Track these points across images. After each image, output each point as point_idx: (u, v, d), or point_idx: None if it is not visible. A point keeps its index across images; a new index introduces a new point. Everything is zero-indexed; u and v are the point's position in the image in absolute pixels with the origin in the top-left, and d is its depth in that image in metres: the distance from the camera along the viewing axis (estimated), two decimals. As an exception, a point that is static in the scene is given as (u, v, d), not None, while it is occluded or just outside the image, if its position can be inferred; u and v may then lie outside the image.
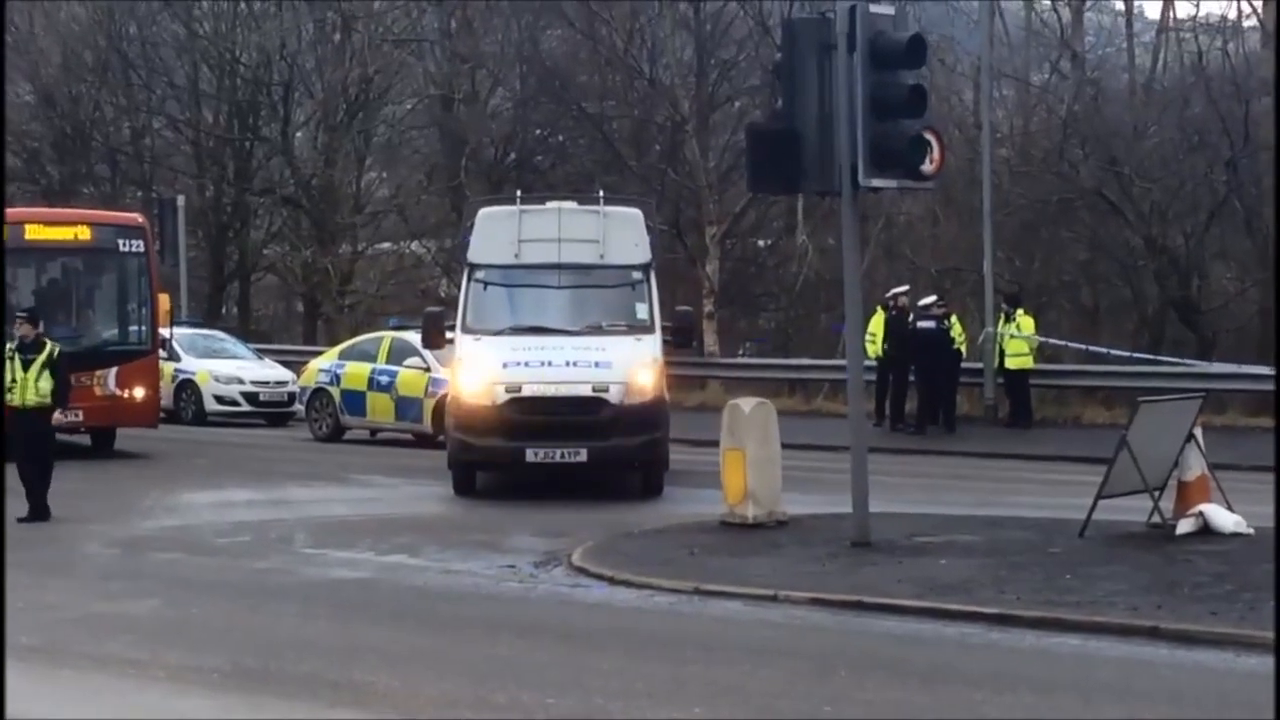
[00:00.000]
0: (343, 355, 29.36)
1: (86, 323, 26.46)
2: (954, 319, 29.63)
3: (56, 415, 19.20)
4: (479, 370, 21.09)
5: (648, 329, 21.78)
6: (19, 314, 19.49)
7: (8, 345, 18.95)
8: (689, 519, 18.38)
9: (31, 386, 18.80)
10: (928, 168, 16.23)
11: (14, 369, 18.78)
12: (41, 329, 19.35)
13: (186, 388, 32.18)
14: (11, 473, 18.78)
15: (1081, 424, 29.60)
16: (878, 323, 28.74)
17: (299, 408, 30.66)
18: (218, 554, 16.69)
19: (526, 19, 43.43)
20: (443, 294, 39.59)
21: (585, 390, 20.78)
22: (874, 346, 28.37)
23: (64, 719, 10.31)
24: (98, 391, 25.04)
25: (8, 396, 18.70)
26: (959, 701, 10.59)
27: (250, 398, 32.21)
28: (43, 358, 18.91)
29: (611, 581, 14.84)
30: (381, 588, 14.82)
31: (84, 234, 25.89)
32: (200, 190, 45.29)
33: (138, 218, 27.95)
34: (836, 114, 15.78)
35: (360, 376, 28.18)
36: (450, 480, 21.42)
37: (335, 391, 28.60)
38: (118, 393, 25.29)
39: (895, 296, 29.66)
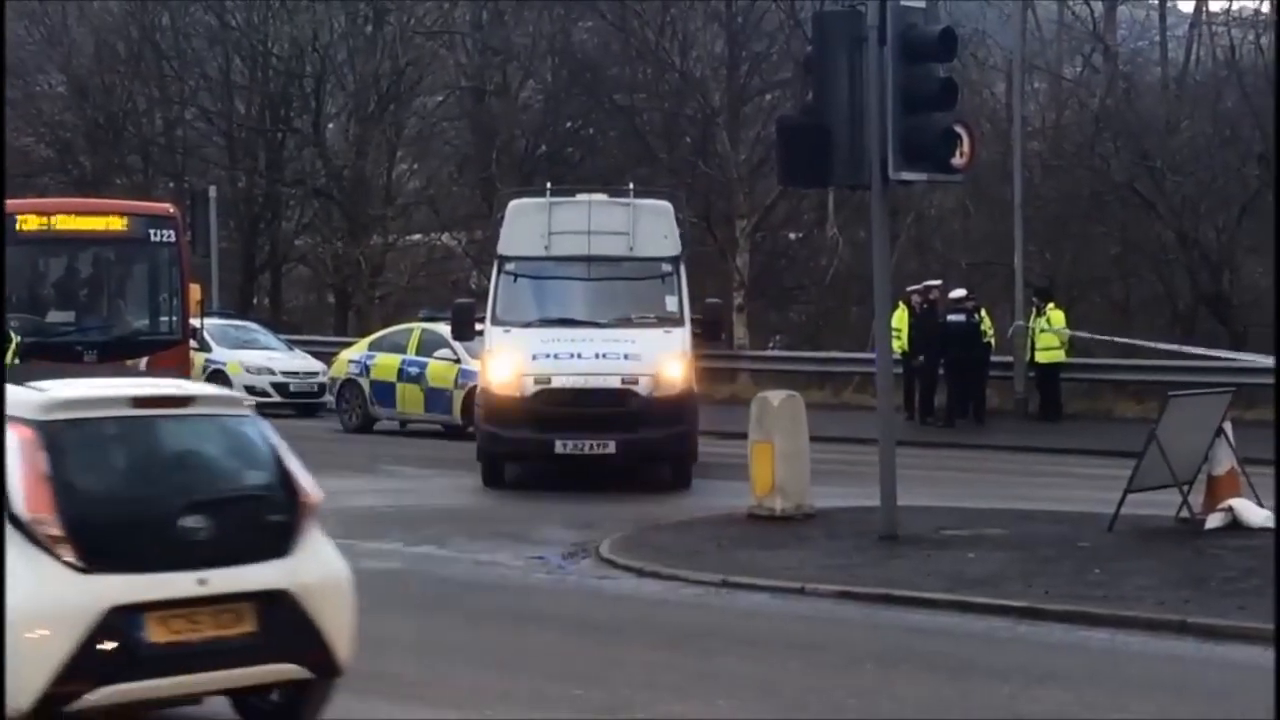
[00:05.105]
0: (373, 346, 29.40)
1: (117, 312, 26.49)
2: (984, 312, 29.61)
3: None
4: (508, 362, 21.11)
5: (677, 321, 21.77)
6: None
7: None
8: (717, 511, 18.38)
9: None
10: (958, 161, 16.22)
11: None
12: None
13: (217, 378, 32.15)
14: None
15: (1112, 418, 29.47)
16: (900, 318, 28.63)
17: (329, 398, 30.74)
18: (247, 544, 16.71)
19: (558, 11, 43.45)
20: (473, 286, 39.64)
21: (614, 382, 20.80)
22: (898, 342, 28.27)
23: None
24: (128, 381, 25.10)
25: None
26: (987, 695, 10.58)
27: (280, 388, 32.27)
28: None
29: (639, 573, 14.87)
30: (410, 578, 14.86)
31: (116, 224, 25.90)
32: (232, 181, 45.37)
33: (169, 208, 27.97)
34: (867, 107, 15.77)
35: (390, 368, 28.23)
36: (479, 471, 21.45)
37: (365, 382, 28.64)
38: (148, 382, 25.29)
39: (926, 290, 29.63)
